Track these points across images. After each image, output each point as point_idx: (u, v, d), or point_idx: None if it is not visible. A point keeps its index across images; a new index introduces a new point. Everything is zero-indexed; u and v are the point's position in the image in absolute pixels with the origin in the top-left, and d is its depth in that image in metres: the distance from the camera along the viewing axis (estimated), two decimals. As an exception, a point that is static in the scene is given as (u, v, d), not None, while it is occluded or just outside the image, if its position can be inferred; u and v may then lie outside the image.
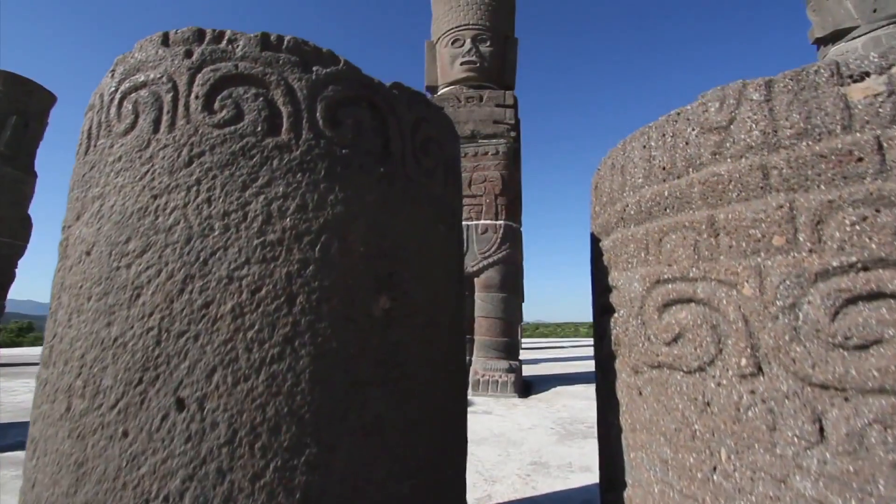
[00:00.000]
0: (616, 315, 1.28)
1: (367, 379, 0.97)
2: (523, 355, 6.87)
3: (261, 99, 1.01)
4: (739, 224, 0.95)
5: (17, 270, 8.86)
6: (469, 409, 4.84)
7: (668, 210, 1.10)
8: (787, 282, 0.87)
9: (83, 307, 0.95)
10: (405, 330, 1.06)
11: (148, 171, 0.97)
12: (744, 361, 0.91)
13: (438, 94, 6.40)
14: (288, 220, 0.96)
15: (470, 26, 6.13)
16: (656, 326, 1.10)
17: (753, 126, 0.95)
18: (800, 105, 0.90)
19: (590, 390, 5.63)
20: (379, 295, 1.03)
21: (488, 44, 6.17)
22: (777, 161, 0.91)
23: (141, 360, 0.88)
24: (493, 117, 5.94)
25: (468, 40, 6.14)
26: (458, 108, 6.01)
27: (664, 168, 1.12)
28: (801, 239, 0.87)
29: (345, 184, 1.03)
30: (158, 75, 1.02)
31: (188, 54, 1.02)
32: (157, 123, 0.99)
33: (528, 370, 7.52)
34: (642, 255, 1.17)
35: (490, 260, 5.69)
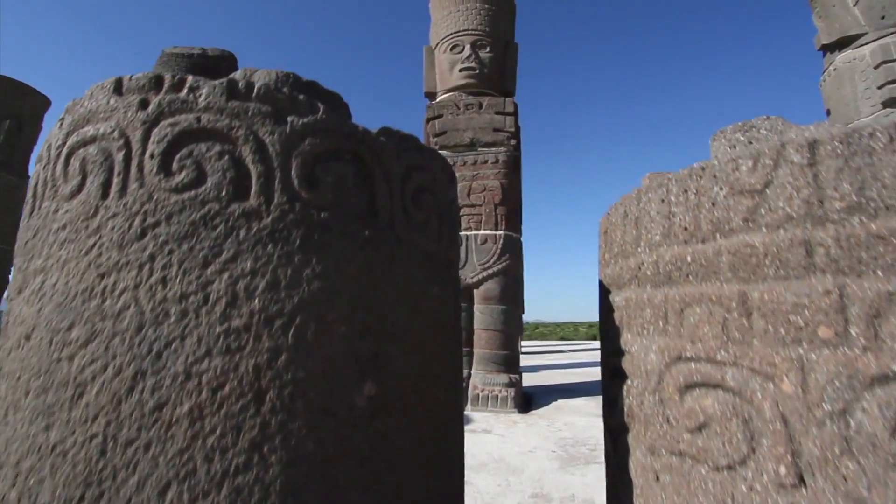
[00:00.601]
0: (629, 383, 1.15)
1: (349, 483, 0.85)
2: (522, 362, 6.75)
3: (226, 157, 0.87)
4: (777, 307, 0.82)
5: (10, 276, 8.72)
6: (468, 426, 4.72)
7: (690, 277, 0.98)
8: (837, 383, 0.75)
9: (20, 403, 0.83)
10: (393, 418, 0.93)
11: (95, 245, 0.84)
12: (783, 469, 0.79)
13: (437, 100, 6.26)
14: (256, 301, 0.83)
15: (469, 32, 5.98)
16: (677, 409, 0.98)
17: (794, 193, 0.82)
18: (851, 173, 0.77)
19: (590, 405, 5.51)
20: (363, 381, 0.90)
21: (488, 49, 6.03)
22: (823, 237, 0.78)
23: (83, 472, 0.76)
24: (492, 125, 5.80)
25: (467, 46, 6.00)
26: (457, 115, 5.88)
27: (686, 229, 1.00)
28: (853, 333, 0.74)
29: (323, 254, 0.90)
30: (109, 129, 0.89)
31: (143, 105, 0.89)
32: (106, 187, 0.86)
33: (527, 379, 7.42)
34: (660, 323, 1.04)
35: (490, 271, 5.57)
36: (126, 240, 0.83)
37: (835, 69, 5.72)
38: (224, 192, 0.86)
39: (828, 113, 6.11)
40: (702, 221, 0.96)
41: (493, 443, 4.12)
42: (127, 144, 0.87)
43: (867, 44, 5.33)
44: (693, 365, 0.95)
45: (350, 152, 0.98)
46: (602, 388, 1.37)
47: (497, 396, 5.14)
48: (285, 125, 0.91)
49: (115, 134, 0.88)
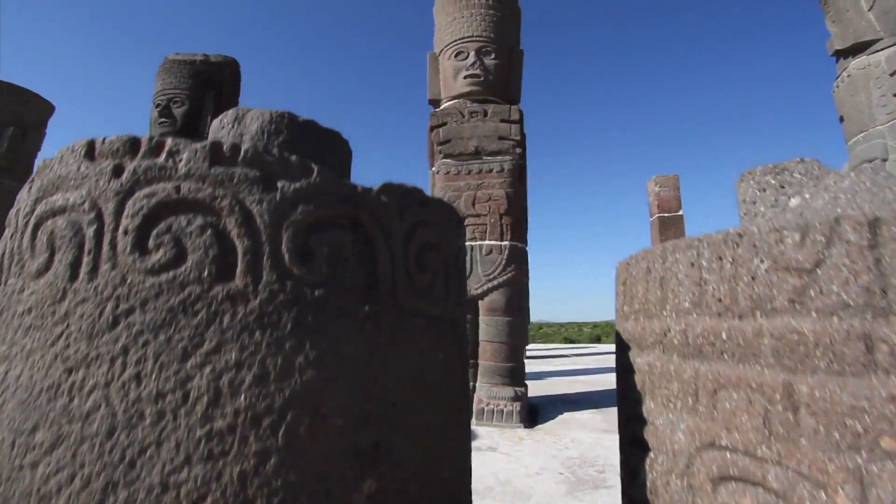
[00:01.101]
0: (652, 457, 1.06)
1: None
2: (527, 367, 6.65)
3: (209, 232, 0.78)
4: (830, 406, 0.72)
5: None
6: (473, 443, 4.63)
7: (725, 356, 0.88)
8: (905, 504, 0.65)
9: (-21, 512, 0.74)
10: (395, 515, 0.84)
11: (62, 335, 0.75)
12: None
13: (441, 108, 6.16)
14: (242, 397, 0.74)
15: (474, 38, 5.88)
16: (709, 500, 0.88)
17: (851, 278, 0.72)
18: (921, 262, 0.67)
19: (596, 419, 5.42)
20: (362, 479, 0.81)
21: (493, 56, 5.92)
22: (887, 333, 0.68)
23: None
24: (497, 133, 5.70)
25: (472, 53, 5.89)
26: (462, 123, 5.78)
27: (720, 300, 0.90)
28: (925, 449, 0.64)
29: (318, 337, 0.81)
30: (80, 200, 0.80)
31: (117, 172, 0.80)
32: (75, 267, 0.77)
33: (533, 387, 7.34)
34: (689, 401, 0.94)
35: (495, 283, 5.48)
36: (96, 329, 0.74)
37: (848, 75, 5.57)
38: (206, 273, 0.77)
39: (841, 119, 5.96)
40: (739, 295, 0.86)
41: (499, 463, 4.04)
42: (99, 218, 0.78)
43: (882, 50, 5.18)
44: (729, 455, 0.85)
45: (347, 217, 0.89)
46: (620, 452, 1.28)
47: (503, 411, 5.05)
48: (275, 192, 0.82)
49: (87, 205, 0.79)
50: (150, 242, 0.77)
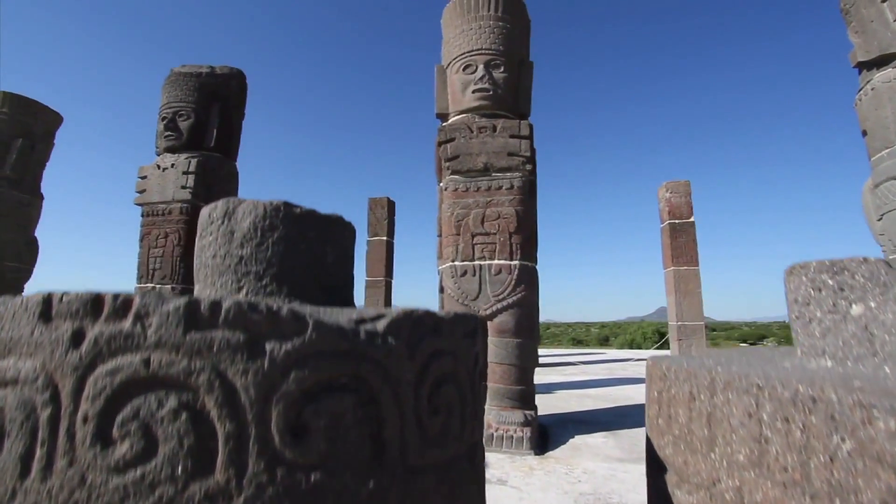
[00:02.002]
0: None
1: None
2: (536, 377, 6.52)
3: (184, 416, 0.66)
4: None
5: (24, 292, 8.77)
6: (482, 475, 4.50)
7: (794, 541, 0.74)
8: None
9: None
10: None
11: (10, 548, 0.63)
12: None
13: (449, 122, 6.02)
14: None
15: (483, 51, 5.72)
16: None
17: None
18: None
19: (609, 444, 5.29)
20: None
21: (502, 69, 5.76)
22: None
23: None
24: (507, 149, 5.55)
25: (481, 66, 5.73)
26: (471, 139, 5.64)
27: (786, 469, 0.76)
28: None
29: (313, 535, 0.68)
30: (34, 373, 0.68)
31: (76, 340, 0.68)
32: (26, 460, 0.66)
33: (542, 403, 7.22)
34: (747, 577, 0.81)
35: (504, 303, 5.35)
36: (49, 545, 0.62)
37: (872, 89, 5.33)
38: (180, 469, 0.64)
39: (864, 133, 5.72)
40: (813, 475, 0.72)
41: (510, 499, 3.92)
42: (55, 399, 0.66)
43: (911, 61, 4.94)
44: None
45: (349, 374, 0.76)
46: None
47: (512, 437, 4.94)
48: (263, 358, 0.70)
49: (41, 382, 0.67)
50: (115, 431, 0.65)
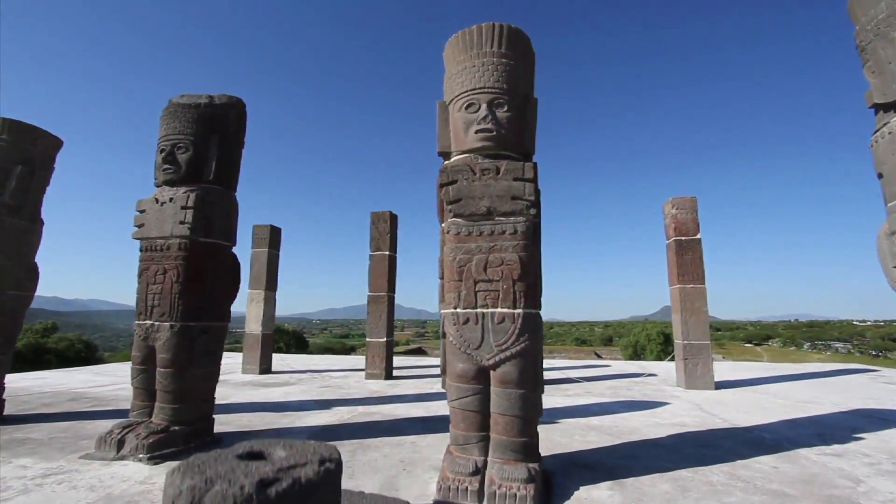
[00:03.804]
0: None
1: None
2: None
3: None
4: None
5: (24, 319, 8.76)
6: (485, 538, 4.41)
7: None
8: None
9: None
10: None
11: None
12: None
13: (451, 162, 5.89)
14: None
15: (486, 90, 5.56)
16: None
17: None
18: None
19: (615, 499, 5.19)
20: None
21: (506, 108, 5.60)
22: None
23: None
24: (511, 192, 5.42)
25: (483, 105, 5.58)
26: (473, 181, 5.51)
27: None
28: None
29: None
30: None
31: None
32: None
33: (544, 437, 7.13)
34: None
35: (507, 353, 5.25)
36: None
37: (890, 132, 5.13)
38: None
39: (880, 176, 5.53)
40: None
41: (512, 573, 3.84)
42: None
43: (931, 107, 4.74)
44: None
45: None
46: None
47: (515, 495, 4.85)
48: None
49: None
50: None
